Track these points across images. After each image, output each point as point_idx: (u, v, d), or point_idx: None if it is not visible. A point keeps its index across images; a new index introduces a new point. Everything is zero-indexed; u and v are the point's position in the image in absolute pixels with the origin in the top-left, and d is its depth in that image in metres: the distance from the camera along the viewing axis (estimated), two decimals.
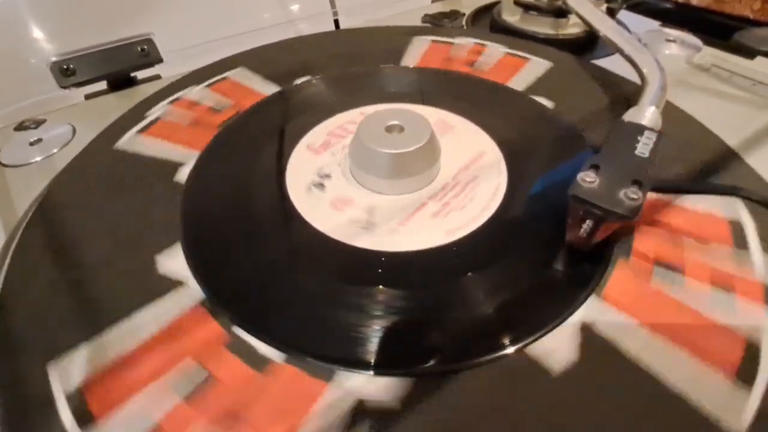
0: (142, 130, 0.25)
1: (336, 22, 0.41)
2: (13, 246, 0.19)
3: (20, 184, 0.24)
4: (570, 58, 0.30)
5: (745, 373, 0.14)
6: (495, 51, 0.31)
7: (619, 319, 0.16)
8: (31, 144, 0.27)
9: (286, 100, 0.27)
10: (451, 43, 0.32)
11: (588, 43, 0.34)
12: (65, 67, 0.31)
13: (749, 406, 0.13)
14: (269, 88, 0.28)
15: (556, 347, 0.15)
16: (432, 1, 0.44)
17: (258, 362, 0.15)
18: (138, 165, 0.23)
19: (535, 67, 0.29)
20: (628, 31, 0.30)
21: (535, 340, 0.15)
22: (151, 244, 0.19)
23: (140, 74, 0.33)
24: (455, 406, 0.14)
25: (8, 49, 0.30)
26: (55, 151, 0.26)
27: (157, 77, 0.33)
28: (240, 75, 0.30)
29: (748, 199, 0.17)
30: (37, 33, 0.31)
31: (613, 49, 0.27)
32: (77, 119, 0.28)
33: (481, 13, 0.41)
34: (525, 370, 0.15)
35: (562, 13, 0.34)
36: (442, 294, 0.17)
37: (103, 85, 0.32)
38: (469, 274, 0.17)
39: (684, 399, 0.14)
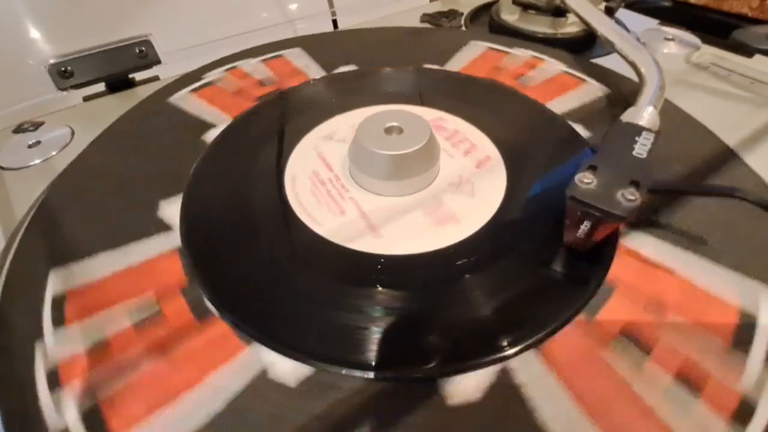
0: (194, 90, 0.28)
1: (334, 21, 0.40)
2: (13, 250, 0.19)
3: (19, 187, 0.24)
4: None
5: None
6: (551, 67, 0.29)
7: (547, 378, 0.14)
8: (30, 146, 0.27)
9: (285, 101, 0.27)
10: (507, 53, 0.31)
11: (586, 42, 0.34)
12: (63, 69, 0.31)
13: None
14: (317, 72, 0.30)
15: (464, 379, 0.14)
16: (430, 1, 0.44)
17: (201, 312, 0.16)
18: (177, 118, 0.26)
19: (589, 90, 0.27)
20: (627, 29, 0.30)
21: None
22: (160, 189, 0.21)
23: (138, 76, 0.33)
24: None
25: (6, 51, 0.30)
26: (53, 153, 0.26)
27: (156, 78, 0.33)
28: (294, 55, 0.31)
29: (745, 200, 0.17)
30: (35, 35, 0.31)
31: (611, 48, 0.27)
32: (76, 121, 0.28)
33: (479, 12, 0.41)
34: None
35: (560, 12, 0.34)
36: (441, 296, 0.17)
37: (101, 86, 0.32)
38: (468, 276, 0.17)
39: None
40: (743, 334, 0.15)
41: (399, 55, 0.31)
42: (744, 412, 0.13)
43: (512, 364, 0.15)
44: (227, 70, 0.30)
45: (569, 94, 0.27)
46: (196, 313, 0.16)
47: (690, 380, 0.14)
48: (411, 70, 0.30)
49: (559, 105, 0.26)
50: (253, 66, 0.30)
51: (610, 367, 0.14)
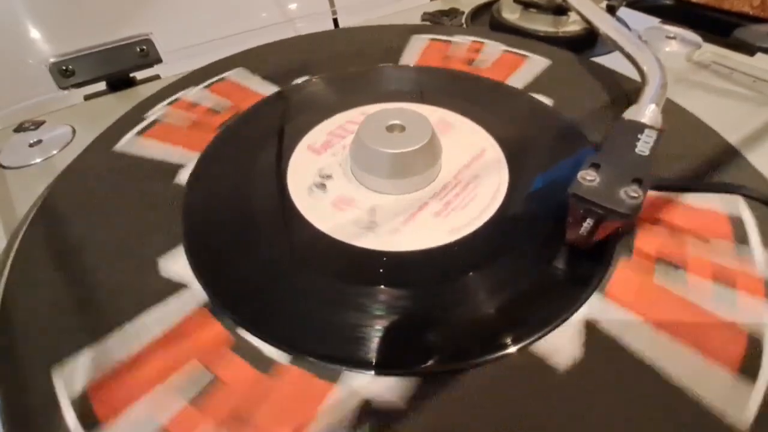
0: (141, 132, 0.25)
1: (335, 21, 0.40)
2: (15, 249, 0.19)
3: (20, 186, 0.24)
4: (568, 55, 0.30)
5: (749, 368, 0.14)
6: (493, 49, 0.31)
7: (623, 316, 0.16)
8: (31, 145, 0.27)
9: (286, 101, 0.27)
10: (450, 42, 0.32)
11: (588, 41, 0.34)
12: (64, 68, 0.31)
13: (753, 400, 0.13)
14: (268, 89, 0.28)
15: (561, 345, 0.15)
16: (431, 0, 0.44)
17: (263, 364, 0.15)
18: (138, 167, 0.23)
19: (534, 64, 0.29)
20: (628, 28, 0.30)
21: (540, 338, 0.15)
22: (153, 246, 0.19)
23: (139, 75, 0.33)
24: (460, 405, 0.14)
25: (7, 51, 0.30)
26: (54, 152, 0.26)
27: (157, 77, 0.33)
28: (238, 75, 0.29)
29: (749, 197, 0.17)
30: (36, 34, 0.31)
31: (613, 46, 0.27)
32: (77, 120, 0.28)
33: (480, 10, 0.41)
34: (530, 369, 0.15)
35: (561, 10, 0.34)
36: (444, 293, 0.17)
37: (102, 85, 0.32)
38: (472, 273, 0.17)
39: (688, 394, 0.14)
40: (739, 233, 0.18)
41: (349, 58, 0.31)
42: None
43: (591, 314, 0.16)
44: (169, 104, 0.27)
45: (520, 70, 0.29)
46: (258, 366, 0.15)
47: (723, 280, 0.17)
48: (395, 68, 0.30)
49: (517, 80, 0.28)
50: (197, 94, 0.28)
51: (663, 288, 0.16)
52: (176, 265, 0.18)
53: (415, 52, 0.31)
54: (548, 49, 0.30)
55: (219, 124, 0.25)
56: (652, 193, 0.19)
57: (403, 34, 0.33)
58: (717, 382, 0.14)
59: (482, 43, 0.31)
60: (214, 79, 0.29)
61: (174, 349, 0.15)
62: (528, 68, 0.29)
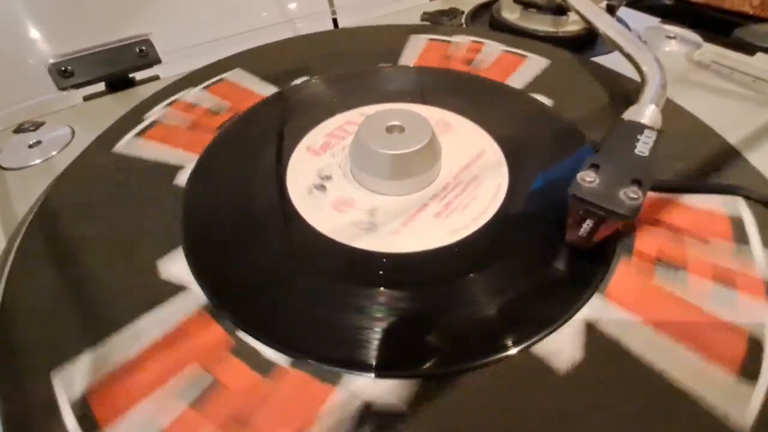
0: (140, 134, 0.25)
1: (334, 21, 0.40)
2: (14, 250, 0.19)
3: (20, 187, 0.24)
4: (568, 55, 0.30)
5: (749, 369, 0.14)
6: (493, 49, 0.31)
7: (623, 316, 0.16)
8: (30, 146, 0.27)
9: (285, 102, 0.27)
10: (449, 42, 0.32)
11: (587, 41, 0.34)
12: (63, 68, 0.31)
13: (754, 400, 0.13)
14: (267, 89, 0.28)
15: (561, 347, 0.15)
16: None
17: (263, 366, 0.15)
18: (137, 169, 0.23)
19: (533, 64, 0.29)
20: (628, 28, 0.30)
21: (540, 339, 0.15)
22: (152, 248, 0.19)
23: (139, 75, 0.33)
24: (461, 407, 0.14)
25: (6, 51, 0.30)
26: (54, 153, 0.26)
27: (156, 78, 0.33)
28: (237, 76, 0.29)
29: (749, 198, 0.17)
30: (35, 34, 0.31)
31: (613, 46, 0.27)
32: (76, 121, 0.28)
33: (480, 10, 0.41)
34: (531, 370, 0.15)
35: (561, 10, 0.34)
36: (445, 295, 0.17)
37: (101, 86, 0.32)
38: (472, 274, 0.17)
39: (689, 395, 0.14)
40: (739, 233, 0.18)
41: (348, 58, 0.31)
42: None
43: (591, 315, 0.16)
44: (168, 105, 0.27)
45: (519, 69, 0.29)
46: (259, 369, 0.15)
47: (724, 281, 0.17)
48: (391, 69, 0.30)
49: (516, 80, 0.28)
50: (196, 95, 0.28)
51: (663, 289, 0.16)
52: (175, 267, 0.18)
53: (414, 53, 0.31)
54: (547, 48, 0.30)
55: (218, 125, 0.25)
56: (651, 194, 0.19)
57: (401, 34, 0.33)
58: (718, 383, 0.14)
59: (482, 42, 0.31)
60: (213, 80, 0.29)
61: (174, 352, 0.15)
62: (527, 68, 0.29)
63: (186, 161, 0.23)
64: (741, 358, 0.14)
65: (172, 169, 0.23)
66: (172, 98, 0.27)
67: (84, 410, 0.14)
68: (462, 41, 0.32)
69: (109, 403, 0.14)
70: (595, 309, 0.16)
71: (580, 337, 0.15)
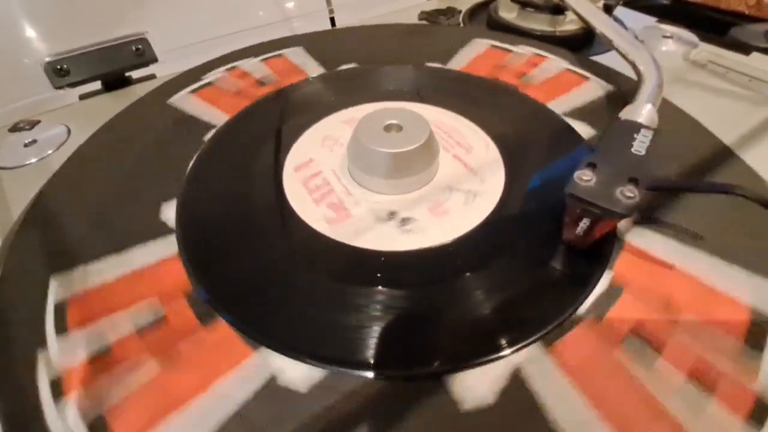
0: (193, 91, 0.28)
1: (332, 20, 0.40)
2: (10, 249, 0.19)
3: (15, 186, 0.24)
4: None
5: None
6: (553, 65, 0.29)
7: (558, 376, 0.14)
8: (26, 145, 0.27)
9: (289, 97, 0.28)
10: (510, 51, 0.30)
11: (585, 40, 0.34)
12: (59, 67, 0.31)
13: None
14: (316, 70, 0.29)
15: (474, 384, 0.14)
16: None
17: (205, 315, 0.16)
18: (179, 119, 0.26)
19: (591, 89, 0.27)
20: (625, 27, 0.30)
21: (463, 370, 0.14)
22: (161, 191, 0.21)
23: (135, 74, 0.33)
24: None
25: (1, 50, 0.30)
26: (50, 152, 0.26)
27: (152, 77, 0.33)
28: (294, 54, 0.31)
29: (743, 197, 0.17)
30: (31, 33, 0.31)
31: (610, 46, 0.27)
32: (72, 120, 0.28)
33: (477, 9, 0.41)
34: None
35: (558, 9, 0.34)
36: (442, 293, 0.17)
37: (97, 85, 0.32)
38: (469, 273, 0.17)
39: None
40: (756, 333, 0.15)
41: (401, 53, 0.31)
42: (760, 411, 0.13)
43: (523, 364, 0.14)
44: (227, 70, 0.29)
45: (572, 92, 0.27)
46: (201, 317, 0.16)
47: (703, 380, 0.14)
48: (410, 68, 0.29)
49: (562, 103, 0.26)
50: (253, 65, 0.30)
51: (622, 367, 0.14)
52: (172, 212, 0.20)
53: (468, 56, 0.30)
54: (611, 73, 0.28)
55: (258, 96, 0.27)
56: (660, 250, 0.17)
57: (464, 36, 0.32)
58: None
59: (543, 57, 0.30)
60: (273, 53, 0.31)
61: (144, 283, 0.17)
62: (582, 92, 0.26)
63: (220, 122, 0.25)
64: None
65: (207, 126, 0.25)
66: (233, 64, 0.30)
67: (61, 314, 0.16)
68: (523, 52, 0.30)
69: (79, 313, 0.16)
70: (529, 359, 0.14)
71: (501, 382, 0.14)
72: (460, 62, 0.30)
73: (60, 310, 0.16)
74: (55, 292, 0.17)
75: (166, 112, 0.26)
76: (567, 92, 0.27)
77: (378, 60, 0.30)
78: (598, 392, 0.14)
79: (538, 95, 0.27)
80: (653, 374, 0.14)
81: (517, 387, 0.14)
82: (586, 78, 0.28)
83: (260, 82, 0.28)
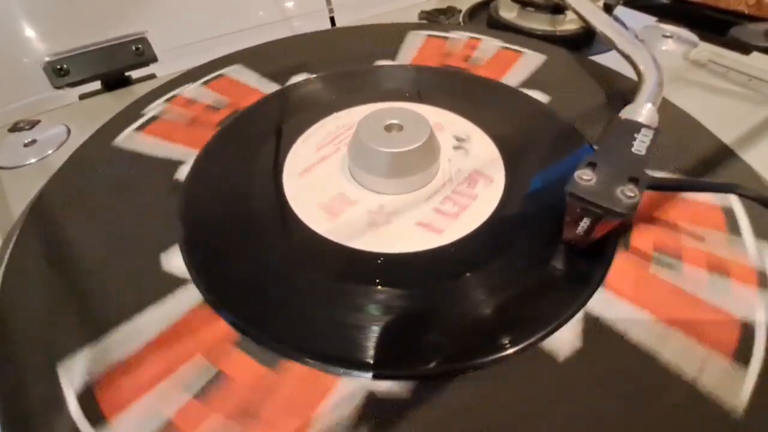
0: (139, 128, 0.25)
1: (332, 19, 0.40)
2: (10, 249, 0.19)
3: (15, 186, 0.24)
4: (564, 51, 0.30)
5: (742, 353, 0.15)
6: (490, 45, 0.31)
7: (621, 306, 0.16)
8: (26, 145, 0.27)
9: (283, 100, 0.27)
10: (446, 38, 0.32)
11: (585, 40, 0.34)
12: (59, 67, 0.31)
13: (746, 384, 0.14)
14: (267, 86, 0.28)
15: (561, 344, 0.15)
16: None
17: (268, 360, 0.15)
18: (137, 163, 0.23)
19: (530, 61, 0.29)
20: (625, 27, 0.30)
21: (542, 339, 0.15)
22: (155, 241, 0.19)
23: (135, 73, 0.33)
24: (463, 406, 0.14)
25: (1, 50, 0.30)
26: (50, 152, 0.26)
27: (152, 76, 0.33)
28: (236, 72, 0.29)
29: (744, 196, 0.17)
30: (30, 33, 0.31)
31: (610, 45, 0.27)
32: (72, 120, 0.28)
33: (477, 9, 0.41)
34: (531, 365, 0.15)
35: (559, 9, 0.34)
36: (441, 294, 0.17)
37: (97, 84, 0.32)
38: (468, 274, 0.17)
39: (685, 380, 0.14)
40: (732, 225, 0.19)
41: (347, 56, 0.31)
42: (763, 280, 0.17)
43: (592, 305, 0.16)
44: (167, 100, 0.27)
45: (516, 65, 0.29)
46: (264, 362, 0.15)
47: (717, 269, 0.17)
48: (382, 68, 0.30)
49: (512, 78, 0.28)
50: (195, 91, 0.28)
51: (659, 278, 0.17)
52: (179, 260, 0.18)
53: (412, 49, 0.31)
54: (543, 45, 0.30)
55: (218, 122, 0.25)
56: (647, 192, 0.19)
57: (399, 31, 0.33)
58: (713, 368, 0.14)
59: (479, 39, 0.31)
60: (212, 75, 0.29)
61: (178, 344, 0.15)
62: (524, 64, 0.29)
63: (187, 157, 0.23)
64: (735, 343, 0.15)
65: (172, 164, 0.23)
66: (171, 93, 0.27)
67: (90, 403, 0.14)
68: (459, 37, 0.32)
69: (115, 395, 0.14)
70: (596, 300, 0.16)
71: (579, 325, 0.16)
72: (408, 56, 0.30)
73: (86, 400, 0.14)
74: (72, 382, 0.14)
75: (115, 156, 0.23)
76: (511, 67, 0.29)
77: (325, 67, 0.29)
78: (654, 305, 0.16)
79: (491, 75, 0.28)
80: (684, 277, 0.17)
81: (594, 326, 0.16)
82: (521, 52, 0.30)
83: (212, 108, 0.26)
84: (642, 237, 0.18)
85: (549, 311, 0.16)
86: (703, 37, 0.33)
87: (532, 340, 0.15)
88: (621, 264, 0.17)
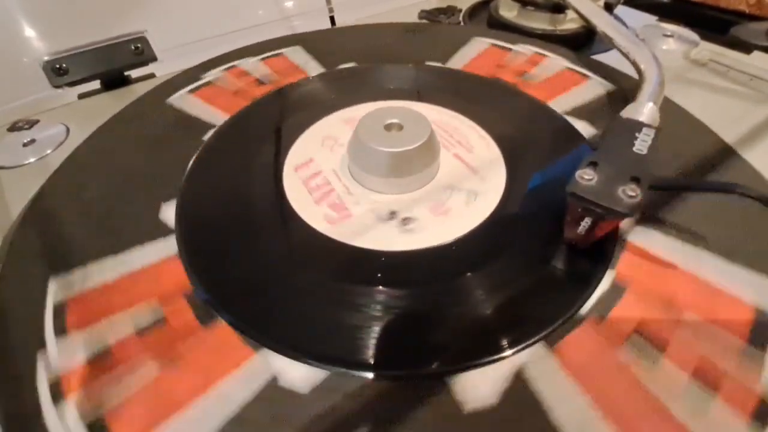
0: (192, 90, 0.28)
1: (332, 18, 0.40)
2: (8, 247, 0.19)
3: (14, 186, 0.24)
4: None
5: None
6: (554, 63, 0.29)
7: (561, 377, 0.14)
8: (25, 145, 0.26)
9: (289, 96, 0.27)
10: (510, 49, 0.30)
11: (585, 39, 0.34)
12: (58, 66, 0.30)
13: None
14: (315, 70, 0.29)
15: (477, 386, 0.14)
16: None
17: (205, 316, 0.16)
18: (180, 121, 0.25)
19: (590, 87, 0.26)
20: (625, 26, 0.30)
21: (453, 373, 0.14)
22: (161, 191, 0.21)
23: (134, 73, 0.33)
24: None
25: (0, 49, 0.30)
26: (49, 152, 0.26)
27: (152, 76, 0.33)
28: (293, 53, 0.31)
29: (746, 196, 0.17)
30: (29, 32, 0.31)
31: (610, 44, 0.27)
32: (71, 119, 0.28)
33: (478, 8, 0.41)
34: (436, 404, 0.14)
35: (559, 8, 0.34)
36: (443, 293, 0.17)
37: (96, 84, 0.32)
38: (469, 273, 0.17)
39: None
40: (759, 332, 0.15)
41: (401, 52, 0.31)
42: (763, 411, 0.13)
43: (526, 364, 0.14)
44: (226, 69, 0.29)
45: (572, 91, 0.27)
46: (201, 318, 0.16)
47: (707, 379, 0.14)
48: (410, 67, 0.29)
49: (563, 102, 0.26)
50: (252, 65, 0.30)
51: (625, 367, 0.14)
52: (171, 211, 0.20)
53: (468, 55, 0.30)
54: (615, 73, 0.28)
55: (257, 95, 0.27)
56: (662, 250, 0.17)
57: (464, 35, 0.32)
58: None
59: (544, 55, 0.29)
60: (273, 52, 0.31)
61: (144, 284, 0.17)
62: (581, 92, 0.26)
63: (219, 121, 0.25)
64: None
65: (206, 126, 0.25)
66: (231, 63, 0.30)
67: (60, 317, 0.16)
68: (523, 51, 0.30)
69: (79, 314, 0.16)
70: (534, 358, 0.14)
71: (503, 383, 0.14)
72: (460, 61, 0.30)
73: (59, 311, 0.16)
74: (54, 294, 0.17)
75: (164, 111, 0.26)
76: (567, 91, 0.26)
77: (377, 59, 0.30)
78: (600, 392, 0.14)
79: (538, 94, 0.26)
80: (656, 374, 0.14)
81: (519, 387, 0.14)
82: (587, 77, 0.28)
83: (259, 81, 0.28)
84: (626, 310, 0.15)
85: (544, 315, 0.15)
86: (704, 37, 0.33)
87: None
88: (584, 334, 0.15)
